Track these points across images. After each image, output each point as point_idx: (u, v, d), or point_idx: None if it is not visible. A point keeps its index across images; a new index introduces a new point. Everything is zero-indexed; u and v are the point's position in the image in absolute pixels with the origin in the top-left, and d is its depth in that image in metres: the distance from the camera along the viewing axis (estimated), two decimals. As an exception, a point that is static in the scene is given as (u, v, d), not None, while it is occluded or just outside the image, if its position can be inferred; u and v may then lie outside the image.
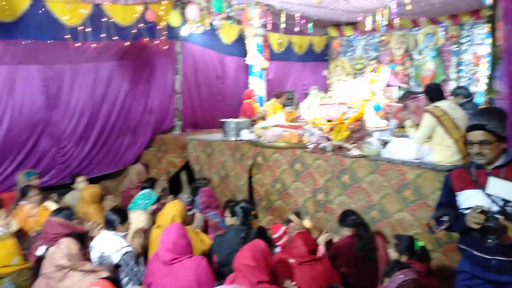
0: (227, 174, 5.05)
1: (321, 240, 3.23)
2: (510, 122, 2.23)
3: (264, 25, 6.68)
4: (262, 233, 3.28)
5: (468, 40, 7.56)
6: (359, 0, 6.09)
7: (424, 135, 3.45)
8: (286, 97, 6.59)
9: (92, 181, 5.01)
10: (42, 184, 4.66)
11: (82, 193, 4.19)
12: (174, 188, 5.37)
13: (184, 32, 6.44)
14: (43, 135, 5.16)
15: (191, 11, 5.94)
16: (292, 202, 4.30)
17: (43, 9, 4.69)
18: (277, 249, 3.32)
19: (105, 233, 3.00)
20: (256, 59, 6.78)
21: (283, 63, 8.62)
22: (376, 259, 3.02)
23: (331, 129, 4.33)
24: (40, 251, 2.94)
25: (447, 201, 2.19)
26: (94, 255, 2.82)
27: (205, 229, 3.83)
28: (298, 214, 3.44)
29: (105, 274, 2.37)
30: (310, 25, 7.20)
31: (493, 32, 3.96)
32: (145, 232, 3.33)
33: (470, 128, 2.04)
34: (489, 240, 1.80)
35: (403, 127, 4.67)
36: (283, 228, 3.34)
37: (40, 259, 2.61)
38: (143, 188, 4.10)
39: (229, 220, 3.32)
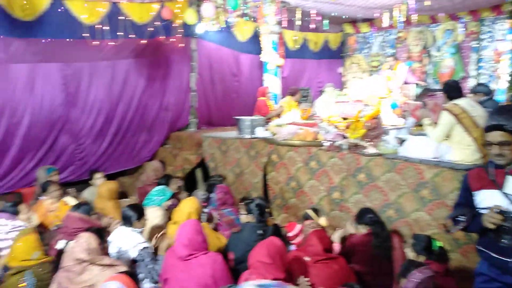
0: (241, 172, 5.07)
1: (336, 237, 3.21)
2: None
3: (279, 22, 6.65)
4: (277, 231, 3.28)
5: (489, 36, 7.37)
6: (376, -4, 6.01)
7: (442, 134, 3.38)
8: (301, 94, 6.57)
9: (109, 177, 5.09)
10: (61, 180, 4.76)
11: (99, 189, 4.27)
12: (189, 185, 5.42)
13: (199, 29, 6.47)
14: (62, 132, 5.26)
15: (207, 8, 5.96)
16: (307, 200, 4.29)
17: (62, 8, 4.78)
18: (292, 247, 3.31)
19: (123, 228, 3.05)
20: (271, 57, 6.76)
21: (298, 61, 8.58)
22: (392, 258, 2.98)
23: (347, 127, 4.29)
24: (60, 245, 3.02)
25: (465, 201, 2.15)
26: (112, 250, 2.87)
27: (216, 226, 3.83)
28: (316, 211, 3.43)
29: (123, 268, 2.41)
30: (325, 22, 7.14)
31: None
32: (161, 228, 3.38)
33: (489, 129, 1.99)
34: (503, 240, 1.77)
35: (420, 125, 4.60)
36: (298, 226, 3.34)
37: (60, 252, 2.67)
38: (159, 185, 4.15)
39: (245, 217, 3.33)
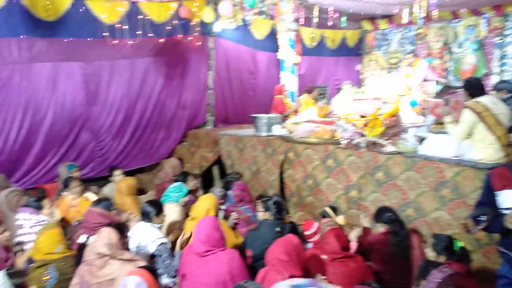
0: (258, 169, 5.08)
1: (353, 236, 3.18)
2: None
3: (296, 20, 6.61)
4: (294, 229, 3.28)
5: (513, 31, 7.16)
6: (395, -8, 5.91)
7: (464, 132, 3.31)
8: (318, 92, 6.52)
9: (127, 174, 5.18)
10: (82, 176, 4.87)
11: (119, 185, 4.35)
12: (206, 182, 5.46)
13: (217, 28, 6.50)
14: (83, 129, 5.39)
15: (224, 6, 5.98)
16: (323, 199, 4.26)
17: (83, 8, 4.89)
18: (309, 245, 3.31)
19: (142, 224, 3.10)
20: (288, 54, 6.74)
21: (315, 58, 8.52)
22: (410, 257, 2.94)
23: (365, 125, 4.24)
24: (81, 239, 3.10)
25: (487, 200, 2.11)
26: (132, 245, 2.93)
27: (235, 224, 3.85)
28: (334, 209, 3.41)
29: (143, 263, 2.46)
30: (343, 19, 7.06)
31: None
32: (178, 224, 3.42)
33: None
34: None
35: (440, 123, 4.51)
36: (316, 225, 3.32)
37: (82, 246, 2.74)
38: (177, 182, 4.20)
39: (262, 215, 3.34)
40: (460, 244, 2.57)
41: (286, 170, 4.72)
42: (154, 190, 5.04)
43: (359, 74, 8.78)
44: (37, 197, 3.72)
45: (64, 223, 3.69)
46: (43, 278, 2.57)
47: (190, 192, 4.07)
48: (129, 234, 3.01)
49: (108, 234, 2.48)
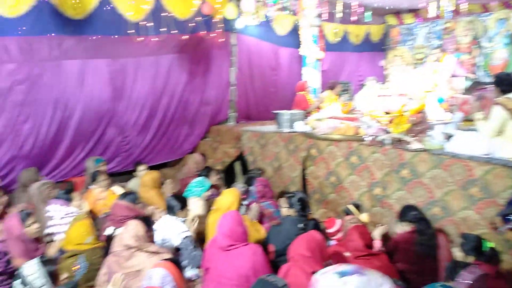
0: (280, 166, 5.07)
1: (377, 233, 3.14)
2: None
3: (319, 15, 6.55)
4: (317, 226, 3.26)
5: (548, 25, 6.86)
6: (422, -15, 5.76)
7: (495, 129, 3.21)
8: (341, 87, 6.45)
9: (152, 169, 5.25)
10: (108, 170, 5.00)
11: (143, 178, 4.44)
12: (228, 178, 5.51)
13: (239, 24, 6.51)
14: (109, 124, 5.50)
15: (247, 3, 5.99)
16: (347, 196, 4.22)
17: (109, 6, 4.98)
18: (332, 242, 3.29)
19: (167, 217, 3.16)
20: (311, 50, 6.68)
21: (339, 54, 8.42)
22: (437, 257, 2.88)
23: (390, 122, 4.16)
24: (107, 231, 3.19)
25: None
26: (157, 238, 2.99)
27: (260, 219, 3.87)
28: (357, 206, 3.37)
29: (168, 255, 2.51)
30: (368, 13, 6.94)
31: None
32: (201, 218, 3.47)
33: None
34: None
35: (469, 120, 4.38)
36: (339, 222, 3.30)
37: (110, 238, 2.82)
38: (199, 176, 4.25)
39: (286, 211, 3.34)
40: (489, 244, 2.50)
41: (308, 167, 4.70)
42: (173, 183, 5.10)
43: (383, 70, 8.61)
44: (66, 190, 3.85)
45: (91, 216, 3.81)
46: (73, 268, 2.67)
47: (213, 186, 4.12)
48: (154, 227, 3.08)
49: (135, 227, 2.55)
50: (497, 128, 3.18)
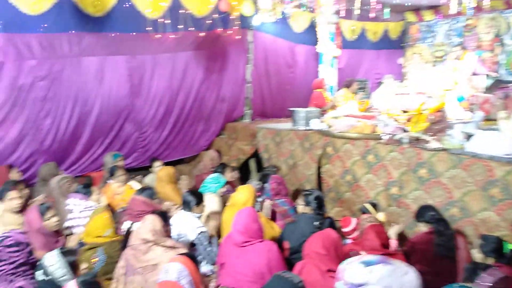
0: (295, 163, 5.06)
1: (392, 232, 3.10)
2: None
3: (337, 12, 6.48)
4: (332, 224, 3.24)
5: None
6: (443, -19, 5.63)
7: (517, 129, 3.12)
8: (357, 85, 6.37)
9: (167, 165, 5.32)
10: (125, 165, 5.08)
11: (159, 174, 4.50)
12: (243, 175, 5.52)
13: (256, 21, 6.50)
14: (127, 120, 5.58)
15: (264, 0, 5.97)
16: (363, 195, 4.18)
17: (128, 3, 5.04)
18: (348, 241, 3.26)
19: (182, 213, 3.20)
20: (327, 47, 6.63)
21: (356, 51, 8.32)
22: (455, 258, 2.83)
23: (408, 120, 4.10)
24: (125, 226, 3.24)
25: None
26: (173, 233, 3.02)
27: (272, 217, 3.87)
28: (374, 205, 3.34)
29: (184, 250, 2.53)
30: (386, 10, 6.83)
31: None
32: (217, 214, 3.49)
33: None
34: None
35: (490, 119, 4.28)
36: (354, 221, 3.27)
37: (128, 232, 2.87)
38: (215, 173, 4.28)
39: (302, 208, 3.33)
40: (510, 246, 2.44)
41: (324, 165, 4.67)
42: (188, 178, 5.15)
43: (402, 68, 8.47)
44: (84, 184, 3.93)
45: (109, 210, 3.87)
46: (92, 260, 2.73)
47: (228, 183, 4.14)
48: (170, 222, 3.11)
49: (152, 221, 2.59)
50: (520, 128, 3.10)
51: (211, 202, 3.52)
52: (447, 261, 2.79)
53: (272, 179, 3.98)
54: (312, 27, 7.19)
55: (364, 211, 3.30)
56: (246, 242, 2.67)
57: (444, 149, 3.57)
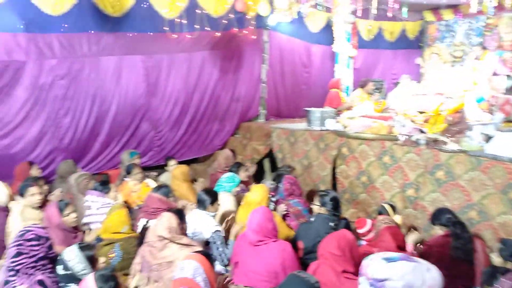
0: (310, 164, 5.04)
1: (411, 239, 3.05)
2: None
3: (353, 12, 6.43)
4: (348, 225, 3.22)
5: None
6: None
7: (540, 131, 3.04)
8: (373, 85, 6.31)
9: (182, 164, 5.37)
10: (141, 164, 5.14)
11: (173, 172, 4.53)
12: (257, 175, 5.52)
13: (272, 21, 6.50)
14: (143, 119, 5.65)
15: None
16: (378, 196, 4.14)
17: (146, 3, 5.10)
18: (363, 242, 3.24)
19: (197, 211, 3.22)
20: (343, 47, 6.58)
21: (372, 51, 8.24)
22: (473, 262, 2.78)
23: (426, 121, 4.04)
24: (141, 223, 3.29)
25: None
26: (188, 230, 3.05)
27: (284, 217, 3.85)
28: (392, 207, 3.30)
29: (199, 248, 2.56)
30: (404, 9, 6.74)
31: None
32: (231, 213, 3.51)
33: None
34: None
35: (510, 121, 4.19)
36: (370, 222, 3.24)
37: (144, 229, 2.91)
38: (229, 172, 4.29)
39: (317, 209, 3.32)
40: (531, 251, 2.38)
41: (339, 166, 4.64)
42: (206, 179, 5.20)
43: (419, 68, 8.34)
44: (101, 182, 3.99)
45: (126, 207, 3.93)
46: (109, 256, 2.78)
47: (242, 182, 4.15)
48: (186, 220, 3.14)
49: (168, 219, 2.62)
50: (543, 130, 3.02)
51: (225, 201, 3.54)
52: (464, 264, 2.74)
53: (286, 179, 3.98)
54: (328, 27, 7.15)
55: (382, 211, 3.27)
56: (260, 241, 2.68)
57: (462, 151, 3.51)
